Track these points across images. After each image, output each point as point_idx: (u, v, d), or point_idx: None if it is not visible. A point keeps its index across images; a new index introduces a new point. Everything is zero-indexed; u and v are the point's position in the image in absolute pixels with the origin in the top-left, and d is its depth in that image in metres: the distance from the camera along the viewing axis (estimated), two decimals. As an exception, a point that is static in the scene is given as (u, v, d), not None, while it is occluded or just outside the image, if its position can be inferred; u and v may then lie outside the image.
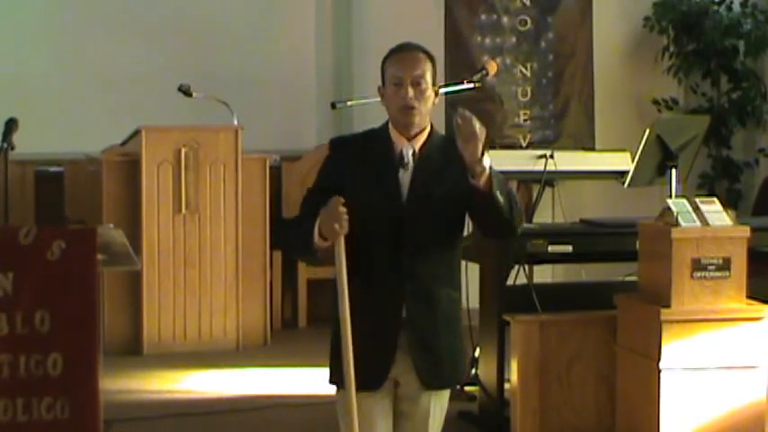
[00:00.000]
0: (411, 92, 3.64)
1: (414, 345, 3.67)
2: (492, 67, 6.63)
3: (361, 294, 3.63)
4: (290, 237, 3.81)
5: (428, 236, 3.66)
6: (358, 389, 3.63)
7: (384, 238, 3.65)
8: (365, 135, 3.83)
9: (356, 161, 3.72)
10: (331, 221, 3.52)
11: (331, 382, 3.77)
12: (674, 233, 5.07)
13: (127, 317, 7.79)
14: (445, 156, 3.68)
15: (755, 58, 9.24)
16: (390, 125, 3.73)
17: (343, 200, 3.53)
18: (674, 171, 5.76)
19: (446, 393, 3.83)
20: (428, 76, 3.68)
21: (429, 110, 3.71)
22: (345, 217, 3.52)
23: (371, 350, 3.64)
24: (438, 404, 3.78)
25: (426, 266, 3.67)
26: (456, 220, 3.73)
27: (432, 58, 3.73)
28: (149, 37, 9.20)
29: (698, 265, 5.09)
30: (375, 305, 3.67)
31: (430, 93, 3.68)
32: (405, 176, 3.68)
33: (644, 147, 5.81)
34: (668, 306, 5.08)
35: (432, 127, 3.75)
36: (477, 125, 3.51)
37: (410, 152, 3.69)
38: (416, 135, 3.71)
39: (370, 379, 3.66)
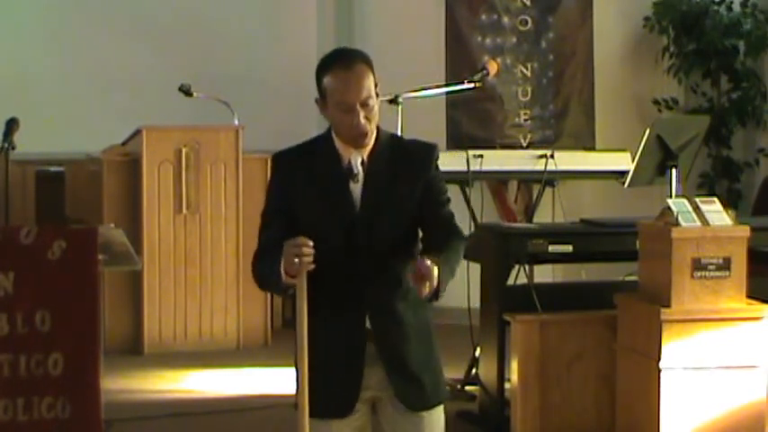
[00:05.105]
0: (362, 116, 3.38)
1: (386, 360, 3.46)
2: (492, 67, 6.63)
3: (321, 313, 3.45)
4: (259, 274, 3.68)
5: (385, 245, 3.46)
6: (328, 415, 3.49)
7: (340, 252, 3.44)
8: (309, 146, 3.57)
9: (304, 177, 3.49)
10: (291, 256, 3.28)
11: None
12: (674, 233, 5.07)
13: (127, 317, 7.79)
14: (395, 160, 3.47)
15: (755, 58, 9.23)
16: (334, 135, 3.49)
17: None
18: (674, 171, 5.75)
19: (439, 409, 3.58)
20: (373, 90, 3.40)
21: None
22: (309, 250, 3.27)
23: (338, 371, 3.49)
24: (435, 419, 3.56)
25: (386, 277, 3.47)
26: (411, 228, 3.52)
27: (370, 63, 3.43)
28: (150, 37, 9.21)
29: (698, 265, 5.09)
30: (337, 322, 3.48)
31: (377, 104, 3.42)
32: (356, 188, 3.45)
33: (644, 147, 5.80)
34: (668, 306, 5.07)
35: (377, 129, 3.47)
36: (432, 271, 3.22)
37: (359, 161, 3.45)
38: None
39: (342, 403, 3.50)
